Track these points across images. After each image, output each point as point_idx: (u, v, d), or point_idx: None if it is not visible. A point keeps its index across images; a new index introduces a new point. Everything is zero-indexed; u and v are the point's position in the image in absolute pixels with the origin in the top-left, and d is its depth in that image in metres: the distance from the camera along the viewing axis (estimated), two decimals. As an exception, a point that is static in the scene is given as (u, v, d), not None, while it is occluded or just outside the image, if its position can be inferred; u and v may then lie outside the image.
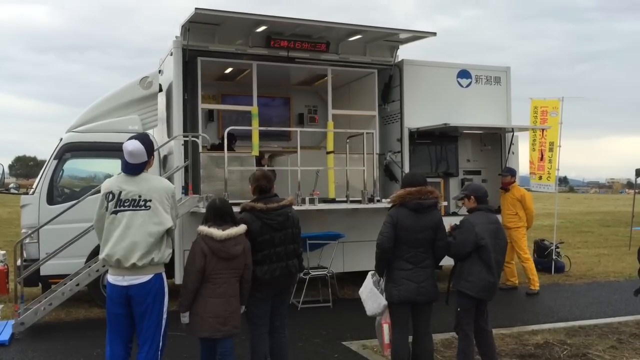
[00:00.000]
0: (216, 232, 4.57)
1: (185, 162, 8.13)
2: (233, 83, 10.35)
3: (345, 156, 8.93)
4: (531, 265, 9.54)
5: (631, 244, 15.57)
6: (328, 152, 9.29)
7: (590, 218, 27.79)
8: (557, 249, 11.60)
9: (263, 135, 9.20)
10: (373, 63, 9.83)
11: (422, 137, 9.80)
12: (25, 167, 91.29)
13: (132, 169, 4.44)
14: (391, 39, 9.51)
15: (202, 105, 8.79)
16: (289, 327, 5.18)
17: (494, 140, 10.60)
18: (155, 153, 6.03)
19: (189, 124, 8.86)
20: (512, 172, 9.73)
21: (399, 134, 9.78)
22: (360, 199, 8.76)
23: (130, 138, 4.48)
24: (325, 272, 8.52)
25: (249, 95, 8.94)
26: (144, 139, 4.51)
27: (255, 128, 8.63)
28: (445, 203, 9.86)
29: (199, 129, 8.63)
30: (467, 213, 5.55)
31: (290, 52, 9.09)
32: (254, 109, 8.79)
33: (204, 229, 4.66)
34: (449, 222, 5.40)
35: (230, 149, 8.65)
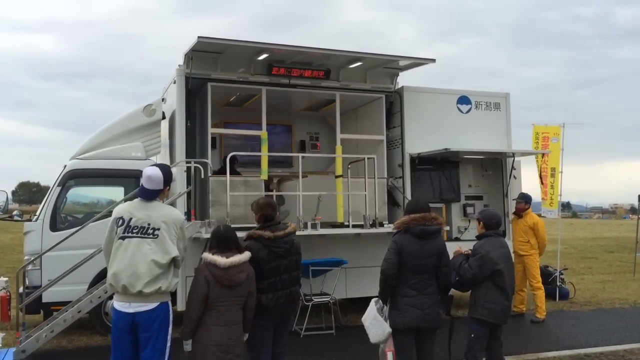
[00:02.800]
0: (220, 259, 4.55)
1: (187, 188, 8.12)
2: (235, 110, 10.41)
3: (352, 181, 9.01)
4: (541, 294, 9.42)
5: (636, 270, 15.45)
6: (337, 176, 9.29)
7: (594, 244, 27.57)
8: (561, 276, 11.53)
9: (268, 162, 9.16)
10: (374, 90, 9.88)
11: (424, 163, 9.82)
12: (29, 192, 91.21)
13: (147, 194, 4.50)
14: (391, 65, 9.57)
15: (211, 130, 8.74)
16: (289, 354, 5.12)
17: (495, 166, 10.60)
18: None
19: (198, 150, 8.94)
20: (527, 199, 9.60)
21: (400, 160, 9.81)
22: (362, 223, 8.75)
23: (152, 165, 4.62)
24: (328, 299, 8.43)
25: (252, 123, 8.93)
26: (165, 168, 4.60)
27: (264, 154, 8.68)
28: (447, 228, 9.84)
29: (209, 155, 8.60)
30: (474, 239, 5.60)
31: (292, 79, 9.15)
32: (263, 133, 8.84)
33: (207, 256, 4.64)
34: (451, 248, 5.38)
35: (233, 172, 8.64)
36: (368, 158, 8.95)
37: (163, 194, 4.63)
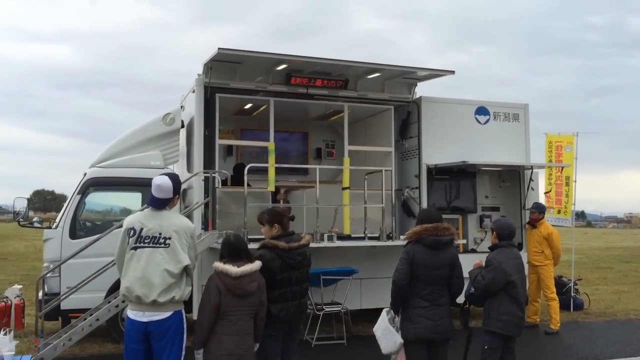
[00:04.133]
0: (231, 268, 4.55)
1: (205, 198, 8.11)
2: (251, 118, 10.48)
3: (363, 192, 8.95)
4: (556, 305, 9.33)
5: (651, 281, 15.29)
6: (344, 189, 9.26)
7: (609, 253, 27.31)
8: (575, 286, 11.42)
9: (280, 170, 9.29)
10: (391, 100, 9.89)
11: (440, 173, 9.78)
12: (44, 200, 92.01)
13: (157, 203, 4.53)
14: (409, 76, 9.58)
15: (219, 141, 8.88)
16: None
17: (513, 177, 10.53)
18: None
19: (210, 160, 8.95)
20: (541, 209, 9.55)
21: (417, 170, 9.78)
22: (377, 235, 8.76)
23: (161, 174, 4.62)
24: (339, 309, 8.37)
25: (268, 130, 9.03)
26: (174, 177, 4.62)
27: (271, 165, 8.67)
28: (463, 241, 9.79)
29: (216, 165, 8.69)
30: (487, 250, 5.57)
31: (310, 89, 9.19)
32: (270, 145, 8.82)
33: (219, 265, 4.64)
34: (468, 260, 5.38)
35: (242, 181, 8.62)
36: (385, 170, 9.02)
37: (172, 203, 4.66)
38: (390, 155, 9.76)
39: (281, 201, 9.14)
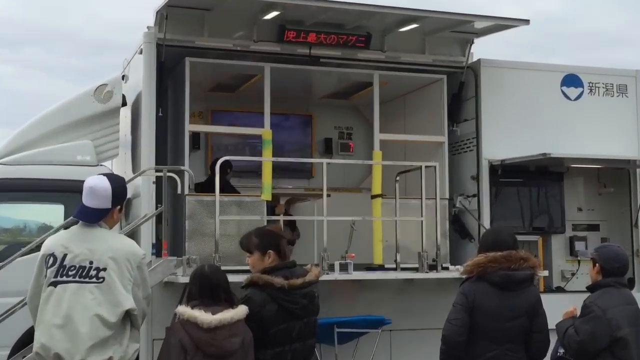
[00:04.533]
0: (203, 316, 4.56)
1: (157, 207, 8.13)
2: (229, 95, 10.51)
3: (400, 201, 8.97)
4: None
5: None
6: (374, 196, 9.26)
7: None
8: None
9: (275, 171, 9.37)
10: (436, 65, 9.91)
11: (510, 174, 9.68)
12: None
13: (88, 215, 4.58)
14: (463, 29, 9.57)
15: (190, 127, 8.91)
16: None
17: (619, 180, 10.45)
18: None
19: (172, 153, 9.11)
20: None
21: (474, 170, 9.76)
22: (416, 265, 8.69)
23: (99, 174, 4.76)
24: (363, 376, 8.30)
25: (251, 112, 9.27)
26: (116, 180, 4.74)
27: (267, 159, 8.77)
28: (545, 273, 9.58)
29: (185, 160, 8.70)
30: (584, 291, 5.60)
31: (314, 48, 9.18)
32: (265, 132, 8.90)
33: (185, 311, 4.65)
34: (553, 304, 5.44)
35: (226, 186, 8.75)
36: (427, 166, 8.86)
37: (111, 217, 4.68)
38: (441, 148, 9.80)
39: (281, 216, 9.33)
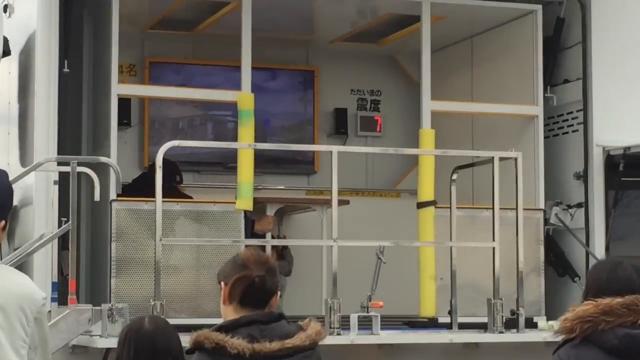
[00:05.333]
0: None
1: (62, 223, 6.98)
2: (181, 37, 9.39)
3: (460, 214, 7.94)
4: None
5: None
6: (421, 205, 8.04)
7: None
8: None
9: (259, 162, 8.45)
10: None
11: (638, 170, 8.30)
12: None
13: None
14: None
15: (119, 88, 7.76)
16: None
17: None
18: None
19: (87, 134, 8.39)
20: None
21: (579, 163, 8.51)
22: (486, 319, 7.42)
23: None
24: None
25: (220, 66, 8.80)
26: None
27: (245, 145, 7.74)
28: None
29: (112, 146, 7.62)
30: None
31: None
32: (243, 97, 7.78)
33: None
34: None
35: (171, 191, 7.96)
36: (504, 158, 7.41)
37: None
38: (532, 125, 8.46)
39: (267, 236, 8.37)
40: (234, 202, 7.81)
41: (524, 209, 7.60)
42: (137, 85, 9.29)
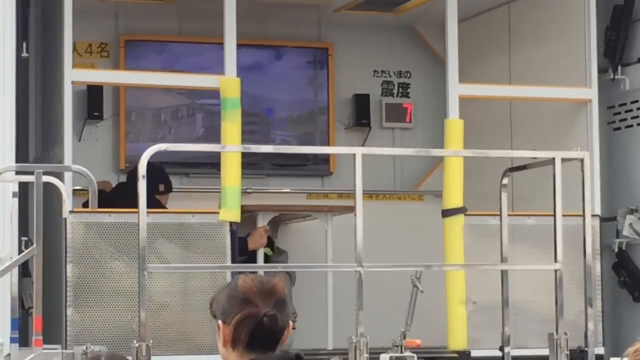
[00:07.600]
0: None
1: (24, 245, 6.50)
2: (160, 9, 8.78)
3: (489, 222, 7.51)
4: None
5: None
6: (447, 212, 7.42)
7: None
8: None
9: (250, 164, 8.19)
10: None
11: None
12: None
13: None
14: None
15: (73, 74, 7.11)
16: None
17: None
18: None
19: (37, 132, 8.34)
20: None
21: None
22: (537, 351, 7.07)
23: None
24: None
25: (209, 44, 8.28)
26: None
27: (228, 149, 7.26)
28: None
29: (65, 148, 7.04)
30: None
31: None
32: (226, 82, 7.20)
33: None
34: None
35: (153, 205, 7.25)
36: (567, 159, 6.58)
37: None
38: (586, 109, 7.80)
39: (260, 253, 7.90)
40: (217, 212, 7.16)
41: (573, 216, 6.62)
42: (94, 71, 8.42)
